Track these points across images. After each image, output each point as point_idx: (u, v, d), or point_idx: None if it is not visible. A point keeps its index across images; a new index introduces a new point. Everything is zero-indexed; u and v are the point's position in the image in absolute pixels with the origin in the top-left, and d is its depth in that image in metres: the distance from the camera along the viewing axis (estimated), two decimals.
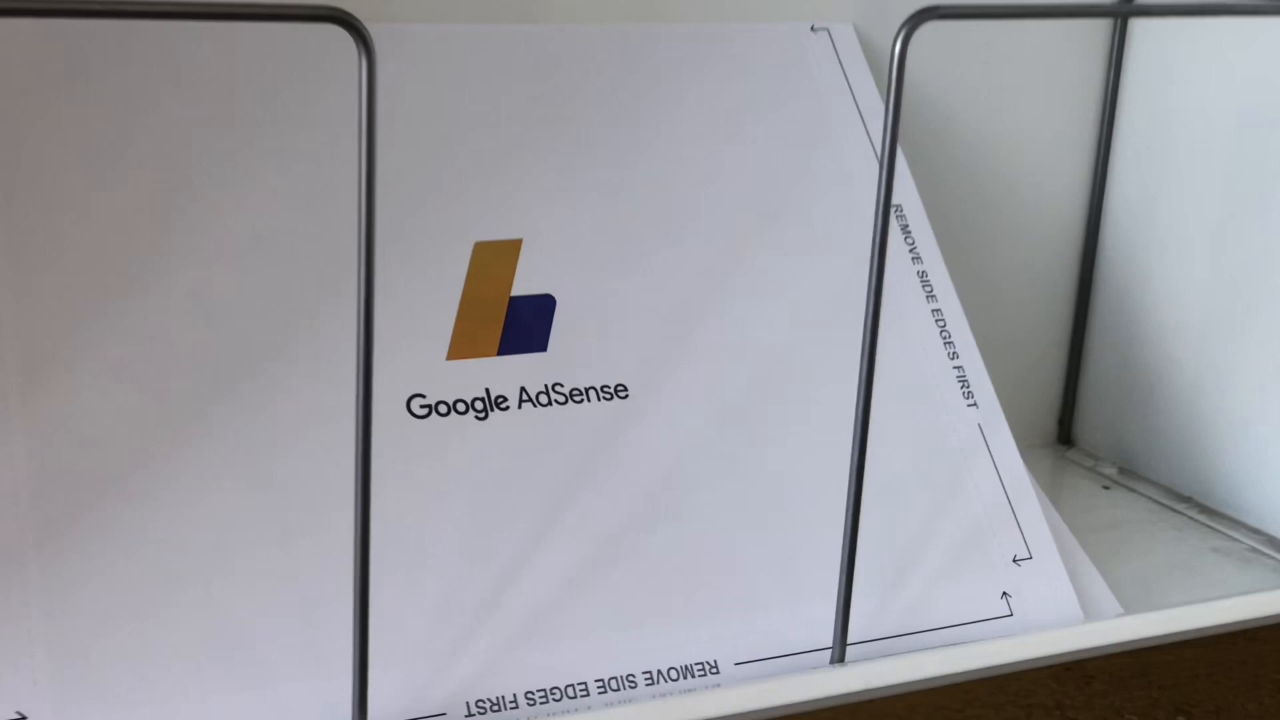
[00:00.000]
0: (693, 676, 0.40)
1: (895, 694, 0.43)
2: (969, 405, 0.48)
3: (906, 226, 0.50)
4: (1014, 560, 0.45)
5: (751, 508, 0.43)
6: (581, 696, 0.39)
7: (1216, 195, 0.56)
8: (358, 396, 0.34)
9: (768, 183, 0.48)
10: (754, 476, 0.44)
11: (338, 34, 0.31)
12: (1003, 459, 0.47)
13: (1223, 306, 0.56)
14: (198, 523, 0.38)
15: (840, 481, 0.40)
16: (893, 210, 0.50)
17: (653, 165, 0.47)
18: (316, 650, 0.37)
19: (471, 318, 0.43)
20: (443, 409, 0.42)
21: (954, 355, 0.48)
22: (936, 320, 0.49)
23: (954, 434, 0.47)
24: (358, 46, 0.31)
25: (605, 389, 0.44)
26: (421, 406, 0.41)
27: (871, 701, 0.42)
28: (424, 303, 0.43)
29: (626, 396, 0.44)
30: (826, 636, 0.41)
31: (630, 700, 0.39)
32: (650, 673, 0.40)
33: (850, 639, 0.41)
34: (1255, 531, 0.54)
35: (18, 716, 0.34)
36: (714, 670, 0.41)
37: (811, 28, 0.53)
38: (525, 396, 0.43)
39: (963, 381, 0.48)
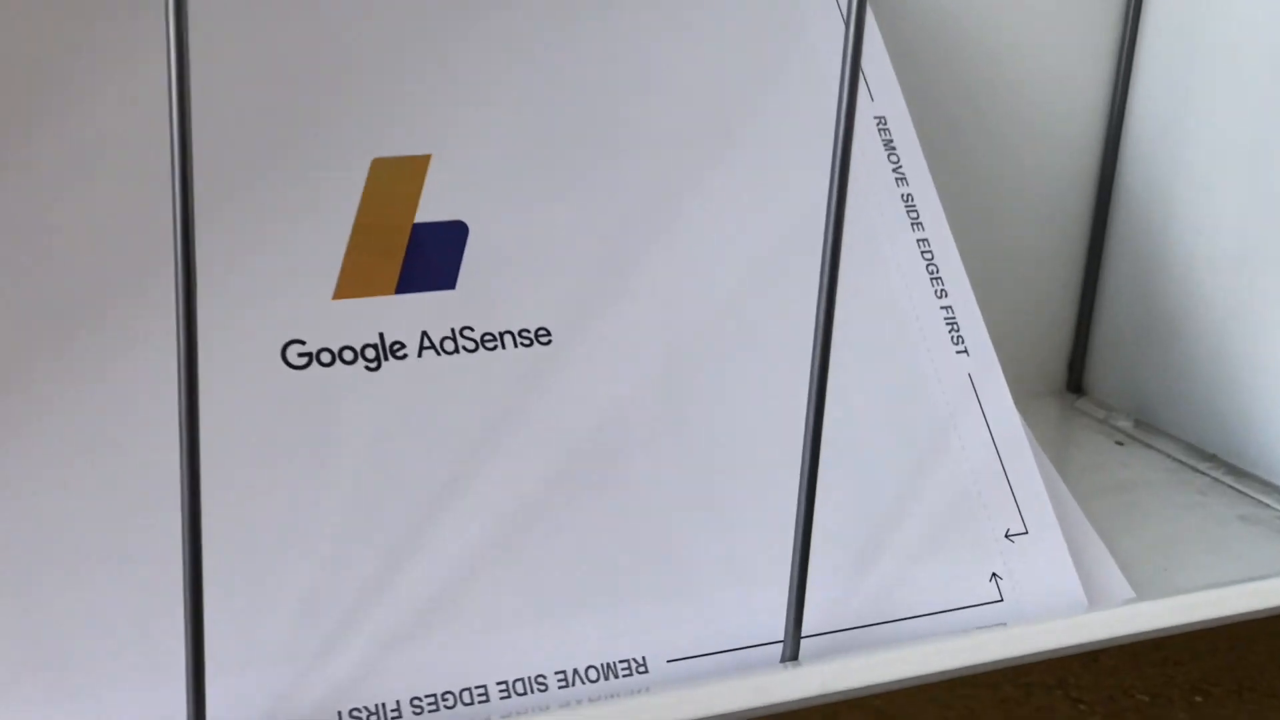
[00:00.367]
0: (616, 677, 0.34)
1: (862, 694, 0.37)
2: (958, 352, 0.41)
3: (890, 142, 0.43)
4: (1006, 535, 0.39)
5: (694, 476, 0.36)
6: (480, 702, 0.33)
7: (1252, 111, 0.49)
8: (178, 343, 0.27)
9: (727, 88, 0.41)
10: (698, 439, 0.37)
11: None
12: (996, 415, 0.40)
13: (1256, 238, 0.49)
14: (14, 499, 0.31)
15: (798, 445, 0.34)
16: (874, 123, 0.43)
17: (590, 66, 0.40)
18: (154, 650, 0.31)
19: (365, 249, 0.36)
20: (326, 358, 0.35)
21: (942, 293, 0.41)
22: (923, 252, 0.42)
23: (938, 386, 0.40)
24: None
25: (524, 333, 0.37)
26: (300, 355, 0.35)
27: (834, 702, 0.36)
28: (307, 230, 0.36)
29: (549, 342, 0.37)
30: (778, 629, 0.35)
31: (540, 708, 0.33)
32: (564, 673, 0.34)
33: (807, 631, 0.35)
34: None
35: None
36: (642, 669, 0.34)
37: None
38: (427, 342, 0.36)
39: (951, 324, 0.41)
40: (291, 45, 0.37)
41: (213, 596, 0.31)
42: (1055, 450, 0.53)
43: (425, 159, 0.38)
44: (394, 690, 0.32)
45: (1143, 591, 0.41)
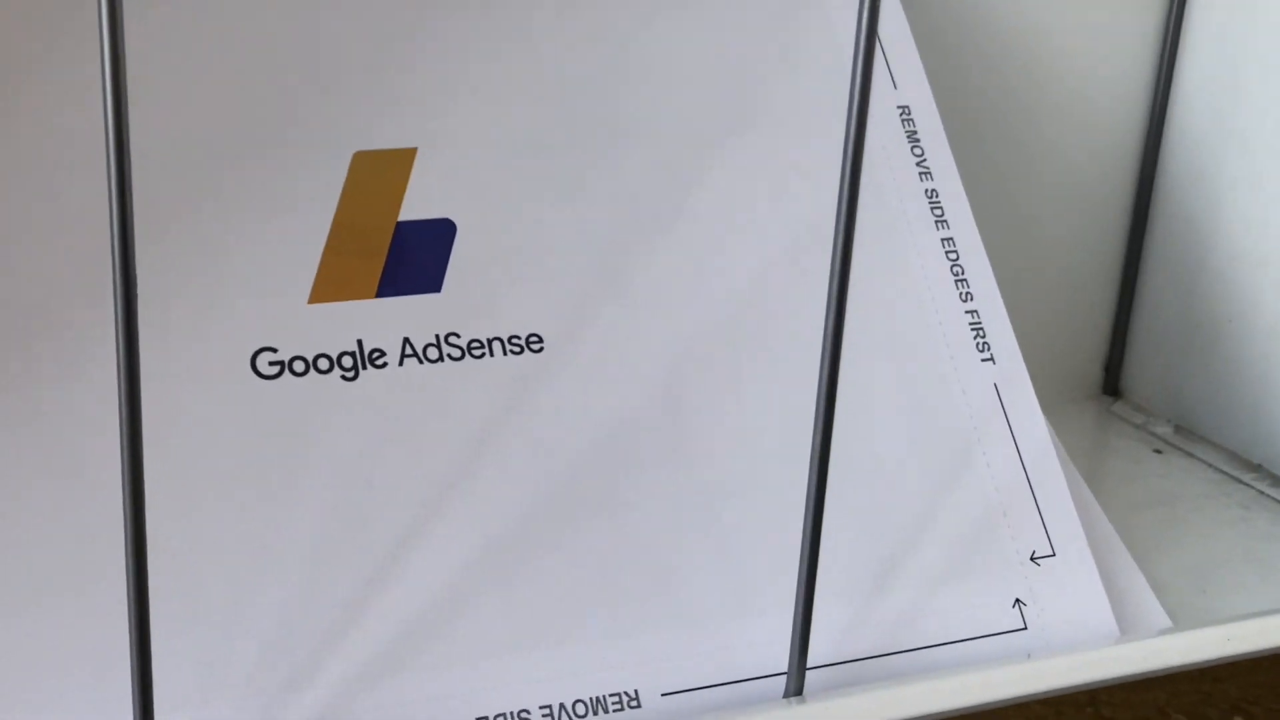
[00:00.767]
0: (605, 711, 0.32)
1: None
2: (984, 360, 0.38)
3: (914, 134, 0.40)
4: (1032, 558, 0.36)
5: (694, 495, 0.34)
6: None
7: None
8: (117, 351, 0.25)
9: (735, 76, 0.39)
10: (700, 454, 0.35)
11: None
12: (1023, 427, 0.38)
13: None
14: None
15: (806, 461, 0.31)
16: (897, 113, 0.40)
17: (587, 54, 0.38)
18: (108, 680, 0.29)
19: (344, 249, 0.34)
20: (299, 366, 0.33)
21: (967, 297, 0.39)
22: (948, 253, 0.39)
23: (962, 396, 0.38)
24: None
25: (514, 340, 0.35)
26: (271, 364, 0.33)
27: None
28: (281, 229, 0.34)
29: (541, 349, 0.35)
30: (782, 660, 0.32)
31: None
32: (549, 707, 0.31)
33: (813, 663, 0.32)
34: None
35: None
36: (634, 703, 0.32)
37: None
38: (409, 350, 0.34)
39: (977, 330, 0.39)
40: (268, 32, 0.35)
41: (172, 623, 0.29)
42: (1089, 459, 0.50)
43: (410, 153, 0.35)
44: None
45: (1180, 618, 0.38)
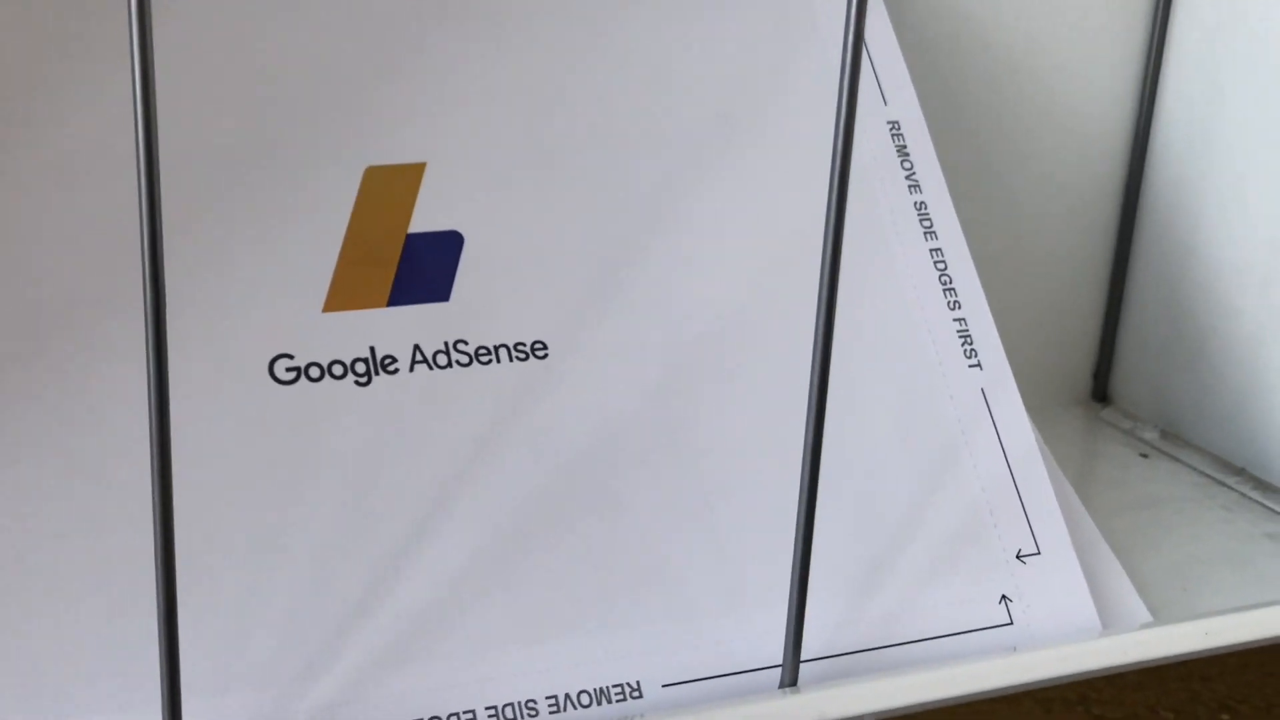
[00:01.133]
0: (609, 701, 0.33)
1: None
2: (970, 366, 0.40)
3: (904, 148, 0.42)
4: (1018, 556, 0.38)
5: (693, 494, 0.36)
6: None
7: None
8: (147, 357, 0.26)
9: (732, 92, 0.40)
10: (698, 456, 0.36)
11: None
12: (1009, 430, 0.39)
13: None
14: None
15: (799, 463, 0.33)
16: (887, 129, 0.42)
17: (590, 70, 0.39)
18: (133, 672, 0.30)
19: (357, 260, 0.36)
20: (315, 372, 0.34)
21: (955, 305, 0.40)
22: (936, 263, 0.41)
23: (949, 400, 0.39)
24: None
25: (519, 347, 0.36)
26: (288, 370, 0.34)
27: None
28: (297, 240, 0.35)
29: (545, 356, 0.36)
30: (777, 653, 0.34)
31: None
32: (555, 697, 0.33)
33: (807, 656, 0.34)
34: None
35: None
36: (636, 694, 0.33)
37: None
38: (419, 356, 0.35)
39: (964, 337, 0.40)
40: (283, 49, 0.37)
41: (193, 617, 0.31)
42: (1077, 463, 0.52)
43: (420, 167, 0.37)
44: (379, 716, 0.31)
45: (1161, 614, 0.39)
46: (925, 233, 0.41)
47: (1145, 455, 0.52)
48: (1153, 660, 0.37)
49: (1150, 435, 0.53)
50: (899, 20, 0.45)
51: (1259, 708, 0.47)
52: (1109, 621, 0.38)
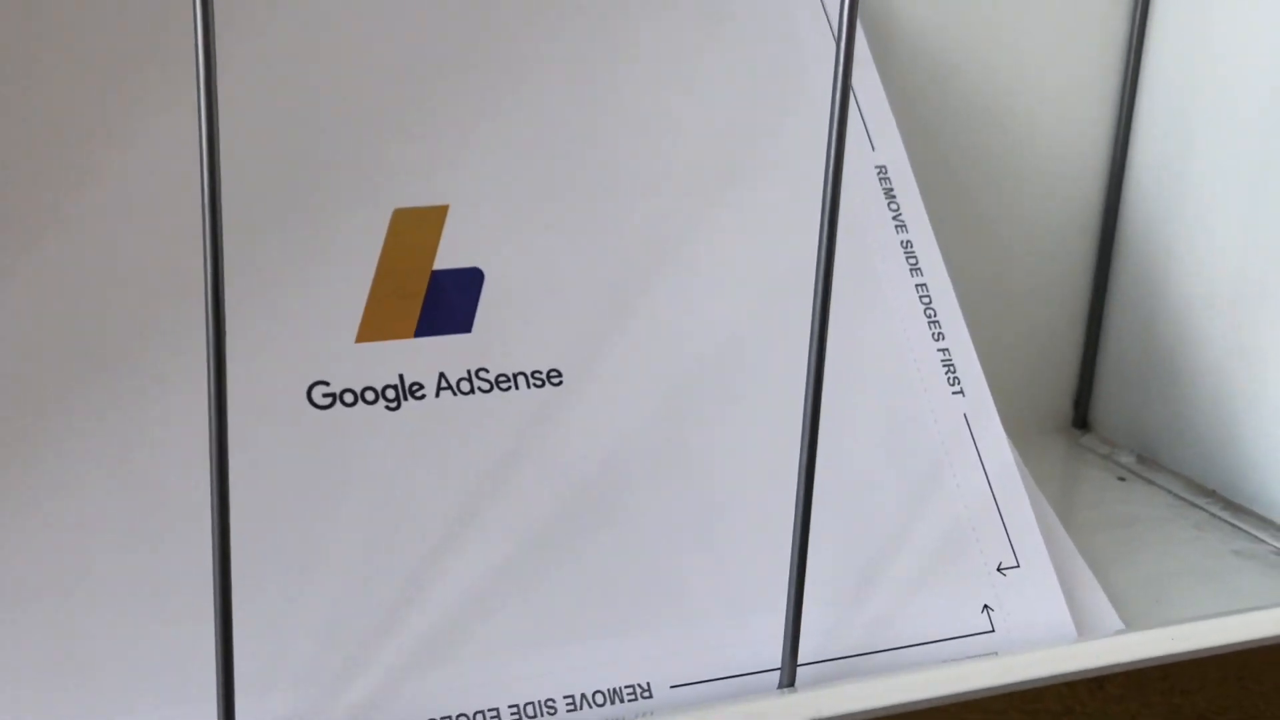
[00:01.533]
0: (621, 701, 0.36)
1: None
2: (954, 393, 0.43)
3: (890, 190, 0.45)
4: (998, 569, 0.40)
5: (697, 509, 0.38)
6: None
7: (1252, 154, 0.51)
8: (209, 383, 0.29)
9: (732, 139, 0.43)
10: (701, 474, 0.39)
11: None
12: (990, 453, 0.42)
13: (1256, 279, 0.51)
14: (49, 527, 0.33)
15: (794, 482, 0.35)
16: (875, 173, 0.45)
17: (601, 121, 0.42)
18: (183, 674, 0.33)
19: (386, 295, 0.38)
20: (349, 398, 0.37)
21: (939, 336, 0.43)
22: (921, 297, 0.44)
23: (935, 425, 0.42)
24: None
25: (536, 374, 0.39)
26: (324, 395, 0.37)
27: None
28: (332, 277, 0.38)
29: (560, 383, 0.39)
30: (776, 656, 0.36)
31: None
32: (573, 697, 0.35)
33: (803, 659, 0.37)
34: None
35: None
36: (646, 694, 0.36)
37: None
38: (445, 383, 0.38)
39: (948, 366, 0.43)
40: (320, 103, 0.40)
41: (240, 622, 0.33)
42: (1059, 486, 0.54)
43: (443, 209, 0.40)
44: (410, 713, 0.34)
45: (1134, 624, 0.42)
46: (911, 269, 0.44)
47: (1122, 478, 0.54)
48: (1124, 664, 0.39)
49: (1127, 460, 0.55)
50: (885, 71, 0.48)
51: (1239, 719, 0.49)
52: (1083, 629, 0.41)
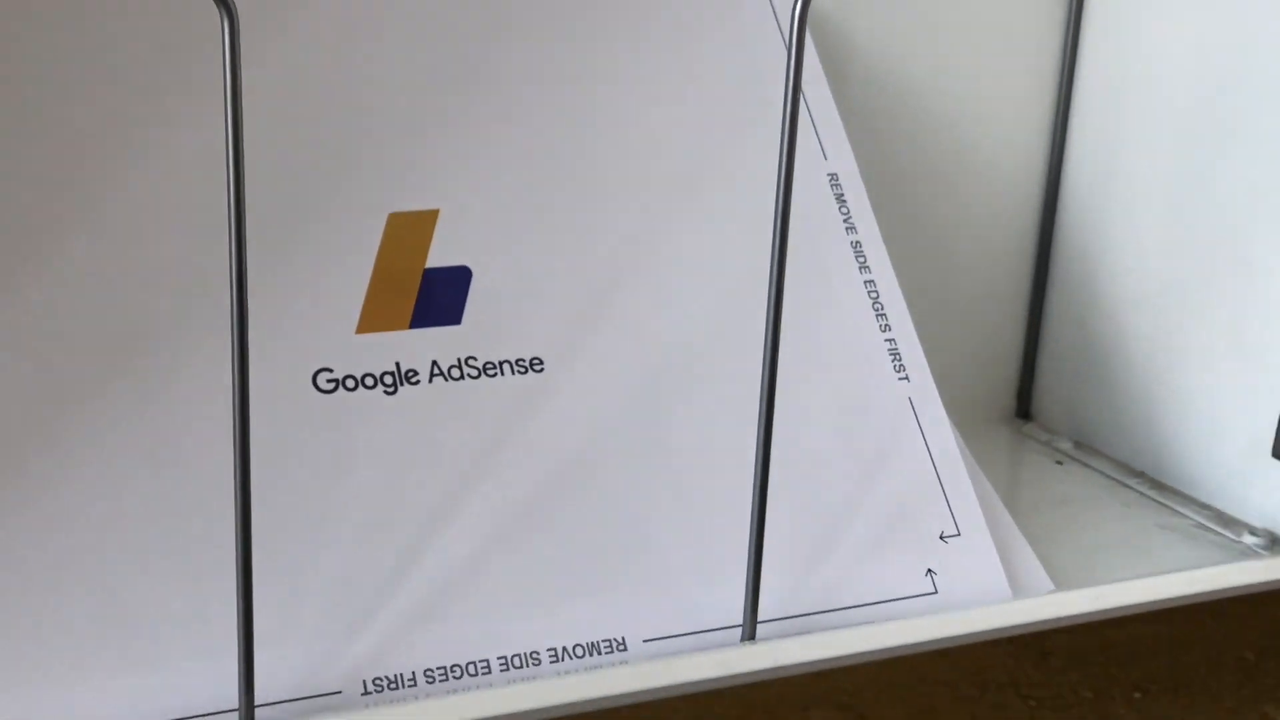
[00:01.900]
0: (599, 654, 0.40)
1: (817, 670, 0.42)
2: (900, 379, 0.47)
3: (841, 196, 0.49)
4: (941, 537, 0.45)
5: (666, 484, 0.42)
6: (483, 674, 0.38)
7: (1171, 166, 0.56)
8: (233, 372, 0.33)
9: (699, 151, 0.47)
10: (670, 452, 0.43)
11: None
12: (934, 433, 0.46)
13: (1177, 279, 0.55)
14: (89, 500, 0.37)
15: (754, 458, 0.39)
16: (827, 180, 0.49)
17: (579, 132, 0.46)
18: (214, 629, 0.37)
19: (383, 290, 0.42)
20: (350, 383, 0.41)
21: (886, 328, 0.47)
22: (869, 292, 0.48)
23: (882, 408, 0.46)
24: (220, 12, 0.31)
25: (520, 362, 0.43)
26: (328, 381, 0.41)
27: (818, 675, 0.42)
28: (334, 275, 0.42)
29: (541, 370, 0.43)
30: (739, 613, 0.40)
31: (533, 678, 0.39)
32: (555, 650, 0.39)
33: (764, 616, 0.41)
34: (1204, 507, 0.53)
35: None
36: (622, 647, 0.40)
37: None
38: (437, 370, 0.42)
39: (894, 354, 0.47)
40: (321, 117, 0.43)
41: (257, 583, 0.37)
42: (1003, 469, 0.59)
43: (434, 213, 0.44)
44: (410, 663, 0.38)
45: (1066, 586, 0.46)
46: (860, 267, 0.48)
47: (1060, 462, 0.59)
48: (1053, 619, 0.43)
49: (1065, 445, 0.60)
50: (839, 88, 0.52)
51: (1167, 687, 0.53)
52: (1018, 590, 0.45)
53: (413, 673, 0.38)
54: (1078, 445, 0.59)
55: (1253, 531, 0.51)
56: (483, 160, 0.45)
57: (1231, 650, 0.54)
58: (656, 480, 0.42)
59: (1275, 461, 0.51)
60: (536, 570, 0.40)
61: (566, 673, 0.39)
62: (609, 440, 0.42)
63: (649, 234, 0.45)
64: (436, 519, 0.40)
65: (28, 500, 0.37)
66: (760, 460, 0.39)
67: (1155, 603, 0.45)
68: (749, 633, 0.40)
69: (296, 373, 0.41)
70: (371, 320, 0.42)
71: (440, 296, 0.43)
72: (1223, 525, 0.52)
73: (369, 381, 0.41)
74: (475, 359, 0.42)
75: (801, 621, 0.42)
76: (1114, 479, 0.57)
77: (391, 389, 0.41)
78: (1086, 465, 0.58)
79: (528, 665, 0.39)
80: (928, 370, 0.47)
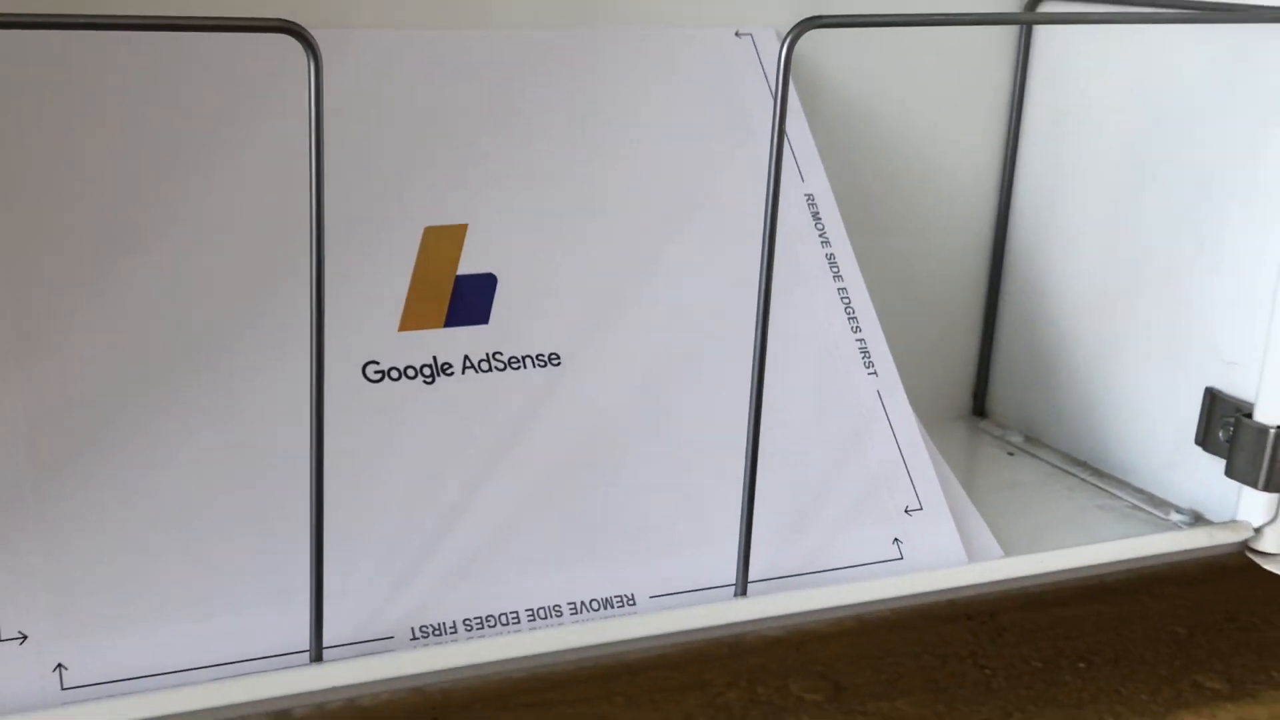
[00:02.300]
0: (612, 607, 0.46)
1: (797, 624, 0.48)
2: (869, 374, 0.53)
3: (817, 213, 0.55)
4: (906, 510, 0.51)
5: (668, 462, 0.49)
6: (513, 624, 0.44)
7: (1107, 189, 0.61)
8: (311, 363, 0.39)
9: (693, 174, 0.54)
10: (671, 435, 0.49)
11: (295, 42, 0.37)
12: (899, 421, 0.52)
13: (1112, 289, 0.61)
14: (175, 471, 0.43)
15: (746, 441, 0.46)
16: (805, 199, 0.56)
17: (589, 157, 0.53)
18: (283, 582, 0.42)
19: (421, 294, 0.48)
20: (394, 374, 0.47)
21: (857, 329, 0.54)
22: (842, 298, 0.54)
23: (854, 399, 0.52)
24: (306, 54, 0.37)
25: (540, 357, 0.49)
26: (375, 372, 0.47)
27: (797, 647, 0.47)
28: (379, 281, 0.48)
29: (559, 364, 0.49)
30: (733, 574, 0.46)
31: (555, 626, 0.45)
32: (575, 604, 0.45)
33: (753, 577, 0.47)
34: (1138, 491, 0.60)
35: (19, 635, 0.40)
36: (631, 603, 0.46)
37: (736, 33, 0.58)
38: (469, 364, 0.48)
39: (864, 353, 0.53)
40: (368, 145, 0.50)
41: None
42: (961, 460, 0.64)
43: (463, 227, 0.50)
44: (451, 613, 0.44)
45: (1015, 555, 0.52)
46: (834, 276, 0.54)
47: (1012, 453, 0.65)
48: (1003, 580, 0.50)
49: (1016, 439, 0.66)
50: (813, 120, 0.58)
51: (1108, 658, 0.57)
52: (973, 556, 0.51)
53: (453, 622, 0.44)
54: (1027, 439, 0.66)
55: (1179, 510, 0.57)
56: (506, 182, 0.51)
57: (1165, 626, 0.58)
58: (660, 459, 0.48)
59: (1198, 450, 0.57)
60: (557, 536, 0.46)
61: (583, 622, 0.45)
62: (618, 425, 0.49)
63: (651, 246, 0.52)
64: (470, 491, 0.46)
65: (123, 470, 0.43)
66: (750, 442, 0.45)
67: (1092, 567, 0.51)
68: (741, 590, 0.46)
69: (348, 365, 0.46)
70: (411, 320, 0.48)
71: (470, 299, 0.49)
72: (1153, 506, 0.58)
73: (410, 373, 0.47)
74: (501, 354, 0.49)
75: (785, 581, 0.48)
76: (1059, 468, 0.63)
77: (430, 379, 0.47)
78: (1035, 456, 0.64)
79: (550, 617, 0.45)
80: (894, 367, 0.54)
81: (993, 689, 0.50)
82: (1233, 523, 0.55)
